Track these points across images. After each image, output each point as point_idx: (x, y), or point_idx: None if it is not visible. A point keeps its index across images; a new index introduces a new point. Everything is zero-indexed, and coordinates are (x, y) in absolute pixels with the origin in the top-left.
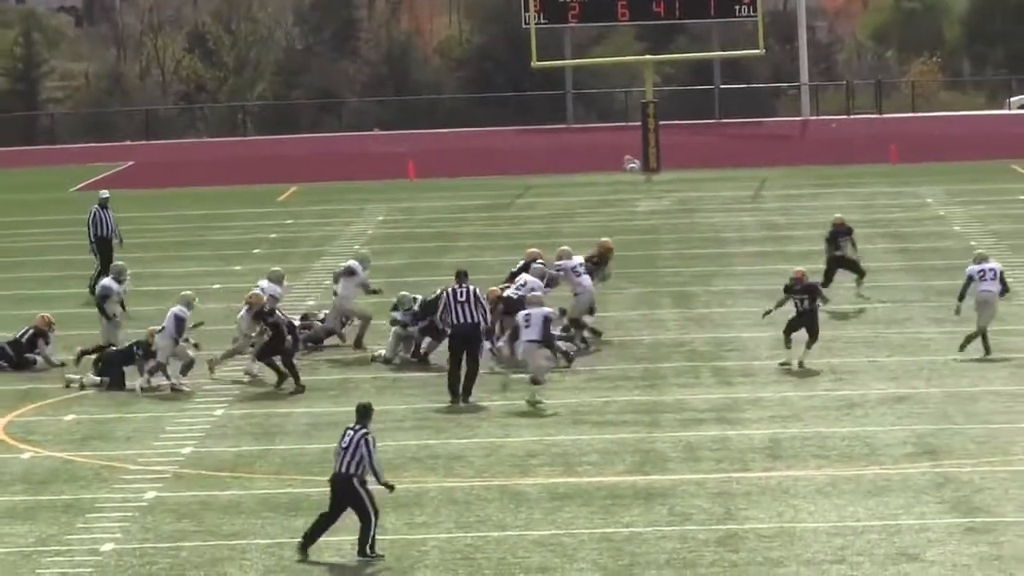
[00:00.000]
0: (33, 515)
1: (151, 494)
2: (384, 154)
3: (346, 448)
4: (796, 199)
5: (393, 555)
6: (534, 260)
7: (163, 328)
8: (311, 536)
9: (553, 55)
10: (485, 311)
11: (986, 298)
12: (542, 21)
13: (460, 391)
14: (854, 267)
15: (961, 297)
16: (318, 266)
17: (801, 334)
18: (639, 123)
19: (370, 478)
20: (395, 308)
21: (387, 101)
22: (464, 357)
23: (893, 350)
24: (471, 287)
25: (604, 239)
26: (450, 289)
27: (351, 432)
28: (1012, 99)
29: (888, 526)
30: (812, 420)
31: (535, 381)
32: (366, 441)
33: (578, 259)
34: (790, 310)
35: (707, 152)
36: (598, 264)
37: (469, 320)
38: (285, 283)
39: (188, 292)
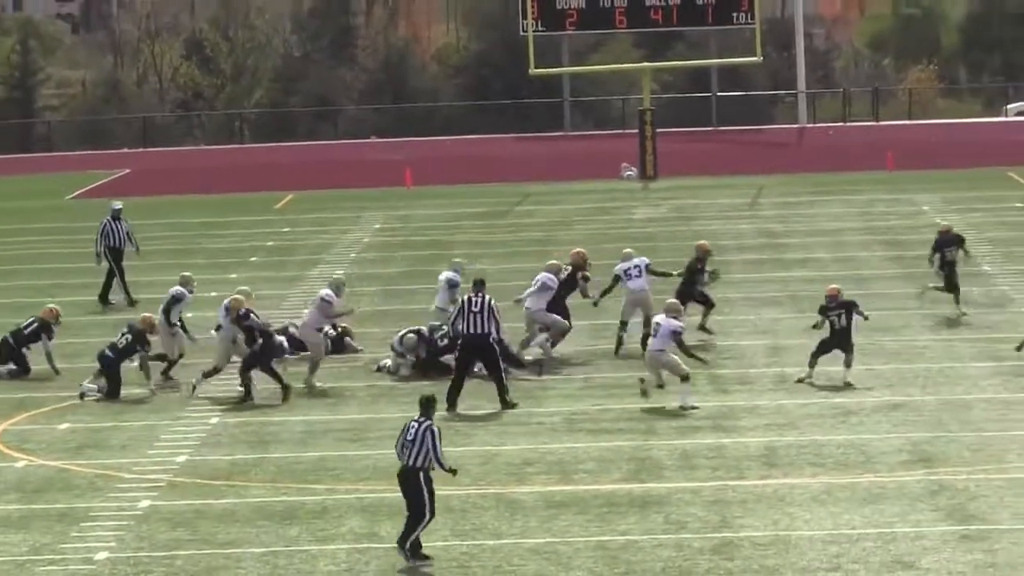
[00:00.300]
0: (27, 524)
1: (146, 503)
2: (381, 161)
3: (412, 441)
4: (793, 207)
5: (388, 563)
6: (580, 264)
7: (219, 327)
8: (406, 537)
9: (551, 62)
10: (498, 323)
11: None
12: (540, 28)
13: (458, 401)
14: (954, 284)
15: None
16: (314, 274)
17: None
18: (636, 130)
19: (435, 474)
20: (401, 342)
21: (384, 108)
22: (478, 368)
23: (888, 358)
24: (487, 297)
25: (701, 241)
26: (466, 297)
27: (415, 425)
28: (1009, 106)
29: (883, 534)
30: (808, 428)
31: (684, 378)
32: (432, 432)
33: (640, 260)
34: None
35: (704, 159)
36: (700, 268)
37: (479, 331)
38: (344, 291)
39: (244, 287)
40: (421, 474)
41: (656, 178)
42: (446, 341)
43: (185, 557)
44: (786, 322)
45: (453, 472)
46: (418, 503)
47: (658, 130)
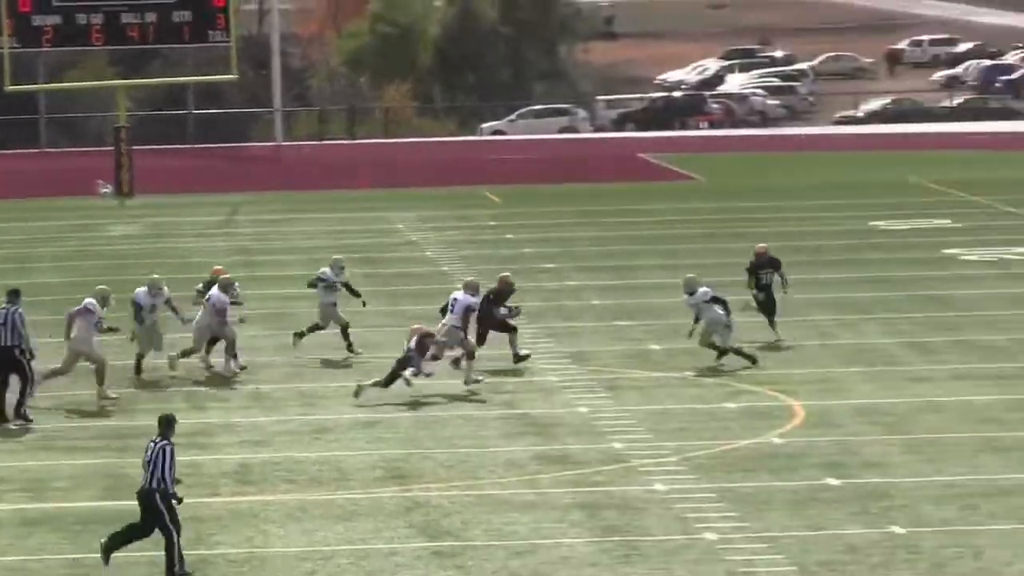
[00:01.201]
0: None
1: None
2: None
3: (149, 461)
4: (269, 224)
5: None
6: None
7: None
8: (114, 540)
9: (27, 79)
10: (22, 335)
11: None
12: (15, 45)
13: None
14: (770, 307)
15: None
16: None
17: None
18: (112, 147)
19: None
20: None
21: None
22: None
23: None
24: (14, 310)
25: (504, 274)
26: None
27: (152, 444)
28: (484, 125)
29: (357, 550)
30: (283, 445)
31: (470, 356)
32: (165, 452)
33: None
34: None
35: (181, 177)
36: (496, 300)
37: (5, 343)
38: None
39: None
40: (157, 495)
41: (132, 195)
42: None
43: None
44: (262, 339)
45: (179, 501)
46: (160, 524)
47: (135, 147)
